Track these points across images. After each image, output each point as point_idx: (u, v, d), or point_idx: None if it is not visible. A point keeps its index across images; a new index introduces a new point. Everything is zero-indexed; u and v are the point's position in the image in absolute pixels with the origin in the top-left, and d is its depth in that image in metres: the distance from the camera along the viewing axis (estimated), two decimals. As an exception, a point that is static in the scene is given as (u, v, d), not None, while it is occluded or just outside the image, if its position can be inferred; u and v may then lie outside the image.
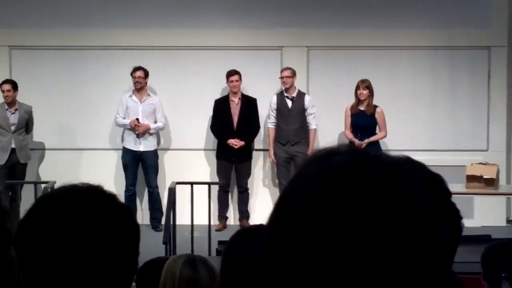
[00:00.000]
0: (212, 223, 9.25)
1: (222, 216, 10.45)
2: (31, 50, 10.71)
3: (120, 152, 10.49)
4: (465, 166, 9.29)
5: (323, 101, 10.53)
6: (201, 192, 9.06)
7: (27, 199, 8.91)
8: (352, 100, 10.07)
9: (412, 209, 0.98)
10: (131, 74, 10.20)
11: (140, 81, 10.19)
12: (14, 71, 10.67)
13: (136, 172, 10.29)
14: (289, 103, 10.28)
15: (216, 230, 9.85)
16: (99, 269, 1.48)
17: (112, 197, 1.58)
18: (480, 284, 3.58)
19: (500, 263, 3.38)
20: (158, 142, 10.56)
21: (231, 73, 10.27)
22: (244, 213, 10.48)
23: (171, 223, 8.36)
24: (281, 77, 10.24)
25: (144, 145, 10.23)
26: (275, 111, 10.30)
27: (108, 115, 10.51)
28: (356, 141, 9.80)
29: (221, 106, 10.35)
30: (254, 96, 10.42)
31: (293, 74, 10.25)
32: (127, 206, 1.62)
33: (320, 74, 10.78)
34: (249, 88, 10.52)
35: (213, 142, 10.64)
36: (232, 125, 10.28)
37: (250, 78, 10.49)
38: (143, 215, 10.37)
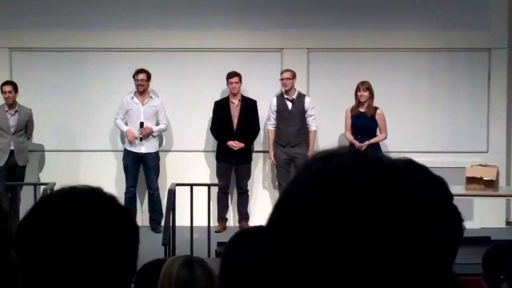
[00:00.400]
0: (211, 224, 9.26)
1: (222, 218, 10.45)
2: (31, 52, 10.71)
3: (120, 153, 10.50)
4: (464, 167, 9.29)
5: (323, 102, 10.53)
6: (200, 193, 9.06)
7: (26, 201, 8.91)
8: (352, 102, 10.07)
9: (411, 211, 0.98)
10: (133, 77, 10.20)
11: (143, 83, 10.19)
12: (14, 72, 10.67)
13: (137, 174, 10.30)
14: (289, 105, 10.28)
15: (216, 232, 9.85)
16: (97, 270, 1.48)
17: (111, 199, 1.59)
18: (480, 285, 3.58)
19: (500, 264, 3.38)
20: (160, 144, 10.57)
21: (231, 75, 10.27)
22: (243, 215, 10.48)
23: (171, 224, 8.36)
24: (281, 79, 10.25)
25: (146, 147, 10.24)
26: (275, 113, 10.30)
27: (108, 117, 10.51)
28: (357, 143, 9.80)
29: (221, 107, 10.35)
30: (254, 98, 10.42)
31: (293, 76, 10.25)
32: (126, 208, 1.62)
33: (320, 76, 10.78)
34: (249, 90, 10.53)
35: (213, 143, 10.64)
36: (232, 127, 10.28)
37: (250, 80, 10.49)
38: (143, 217, 10.37)
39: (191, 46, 10.70)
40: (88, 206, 1.52)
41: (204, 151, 10.83)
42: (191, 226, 8.67)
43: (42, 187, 9.22)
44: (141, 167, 10.32)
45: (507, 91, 10.80)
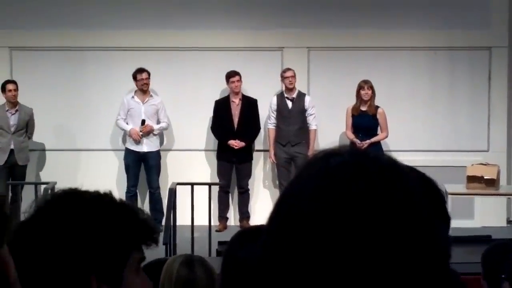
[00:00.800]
0: (212, 223, 9.26)
1: (223, 217, 10.45)
2: (32, 51, 10.71)
3: (121, 152, 10.50)
4: (465, 166, 9.30)
5: (324, 101, 10.53)
6: (201, 192, 9.06)
7: (27, 200, 8.91)
8: (352, 101, 10.07)
9: (412, 210, 0.98)
10: (134, 77, 10.19)
11: (147, 82, 10.22)
12: (15, 72, 10.67)
13: (138, 173, 10.30)
14: (289, 104, 10.28)
15: (216, 231, 9.85)
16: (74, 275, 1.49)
17: (123, 204, 1.59)
18: (481, 284, 3.58)
19: (500, 263, 3.38)
20: (161, 143, 10.58)
21: (231, 74, 10.27)
22: (244, 214, 10.48)
23: (172, 223, 8.36)
24: (286, 77, 10.21)
25: (148, 146, 10.25)
26: (275, 112, 10.30)
27: (108, 116, 10.52)
28: (358, 142, 9.80)
29: (222, 107, 10.35)
30: (254, 97, 10.42)
31: (295, 74, 10.26)
32: (140, 216, 1.61)
33: (321, 75, 10.78)
34: (249, 89, 10.52)
35: (213, 142, 10.64)
36: (232, 126, 10.28)
37: (251, 79, 10.49)
38: (143, 216, 10.35)
39: (191, 45, 10.69)
40: (94, 210, 1.52)
41: (205, 150, 10.83)
42: (192, 225, 8.67)
43: (43, 186, 9.22)
44: (142, 166, 10.33)
45: (508, 89, 10.79)
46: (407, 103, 10.68)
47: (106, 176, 10.11)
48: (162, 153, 10.53)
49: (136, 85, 10.28)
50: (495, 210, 10.54)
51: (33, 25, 10.61)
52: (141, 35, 10.61)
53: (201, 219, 8.92)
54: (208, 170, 10.76)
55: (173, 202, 8.56)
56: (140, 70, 10.21)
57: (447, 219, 1.92)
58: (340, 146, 1.05)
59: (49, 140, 10.77)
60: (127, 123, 10.28)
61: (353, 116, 10.03)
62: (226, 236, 2.92)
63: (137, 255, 1.57)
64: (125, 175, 10.32)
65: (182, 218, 8.97)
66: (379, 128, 10.06)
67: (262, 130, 10.54)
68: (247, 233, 2.20)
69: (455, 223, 8.69)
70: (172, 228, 8.33)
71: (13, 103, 10.05)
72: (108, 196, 1.58)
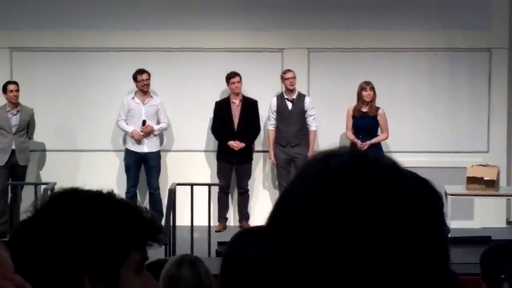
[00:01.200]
0: (212, 224, 9.26)
1: (222, 217, 10.45)
2: (32, 52, 10.71)
3: (121, 153, 10.51)
4: (465, 167, 9.30)
5: (324, 102, 10.53)
6: (201, 193, 9.07)
7: (27, 200, 8.91)
8: (352, 102, 10.07)
9: (412, 211, 0.98)
10: (135, 77, 10.20)
11: (147, 83, 10.23)
12: (15, 72, 10.67)
13: (138, 174, 10.31)
14: (289, 105, 10.28)
15: (216, 231, 9.85)
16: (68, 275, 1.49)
17: (124, 203, 1.59)
18: (480, 285, 3.58)
19: (499, 264, 3.38)
20: (161, 143, 10.58)
21: (231, 75, 10.27)
22: (244, 215, 10.48)
23: (171, 224, 8.37)
24: (287, 79, 10.21)
25: (148, 146, 10.26)
26: (275, 113, 10.30)
27: (108, 117, 10.52)
28: (358, 142, 9.80)
29: (222, 107, 10.36)
30: (254, 98, 10.42)
31: (295, 75, 10.26)
32: (143, 215, 1.61)
33: (321, 76, 10.78)
34: (249, 90, 10.52)
35: (213, 143, 10.64)
36: (232, 126, 10.29)
37: (251, 80, 10.49)
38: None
39: (191, 46, 10.70)
40: (96, 210, 1.52)
41: (205, 151, 10.83)
42: (192, 226, 8.67)
43: (43, 186, 9.22)
44: (142, 167, 10.33)
45: (508, 91, 10.79)
46: (407, 104, 10.68)
47: (106, 177, 10.11)
48: (162, 153, 10.53)
49: (137, 86, 10.28)
50: (495, 211, 10.54)
51: (33, 25, 10.62)
52: (142, 36, 10.61)
53: (201, 220, 8.93)
54: (208, 171, 10.76)
55: (172, 203, 8.56)
56: (141, 71, 10.22)
57: (442, 218, 1.93)
58: (340, 147, 1.06)
59: (49, 140, 10.77)
60: (127, 124, 10.29)
61: (353, 117, 10.03)
62: (226, 237, 2.93)
63: (136, 255, 1.56)
64: (125, 176, 10.32)
65: (182, 219, 8.97)
66: (379, 129, 10.06)
67: (262, 131, 10.54)
68: (247, 233, 2.21)
69: (455, 224, 8.68)
70: (171, 228, 8.33)
71: (14, 103, 10.06)
72: (109, 195, 1.58)
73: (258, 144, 10.67)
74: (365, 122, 9.95)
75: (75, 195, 1.56)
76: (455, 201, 9.06)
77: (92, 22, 10.64)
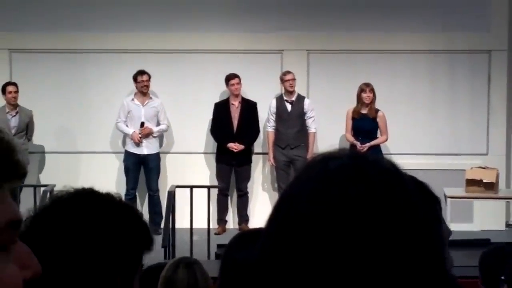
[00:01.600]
0: (211, 226, 9.25)
1: (221, 220, 10.45)
2: (31, 53, 10.71)
3: (120, 155, 10.51)
4: (464, 170, 9.30)
5: (323, 104, 10.53)
6: (200, 195, 9.06)
7: (26, 203, 8.90)
8: (352, 104, 10.07)
9: (411, 213, 0.98)
10: (135, 78, 10.21)
11: (147, 84, 10.24)
12: (15, 74, 10.67)
13: (137, 176, 10.31)
14: (289, 106, 10.28)
15: (215, 234, 9.84)
16: (101, 276, 1.48)
17: (129, 208, 1.59)
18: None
19: (499, 267, 3.38)
20: (161, 145, 10.58)
21: (231, 77, 10.28)
22: (243, 217, 10.47)
23: (170, 226, 8.36)
24: (286, 80, 10.21)
25: (148, 148, 10.26)
26: (274, 115, 10.30)
27: (108, 118, 10.52)
28: (358, 144, 9.81)
29: (221, 109, 10.36)
30: (254, 100, 10.42)
31: (295, 77, 10.27)
32: (144, 220, 1.61)
33: (320, 78, 10.78)
34: (249, 91, 10.53)
35: (212, 145, 10.64)
36: (232, 128, 10.29)
37: (250, 81, 10.49)
38: (142, 219, 10.35)
39: (191, 48, 10.70)
40: (104, 212, 1.52)
41: (204, 153, 10.83)
42: (191, 228, 8.67)
43: (42, 188, 9.22)
44: (142, 169, 10.33)
45: (507, 93, 10.79)
46: (406, 106, 10.68)
47: (105, 179, 10.09)
48: (161, 155, 10.53)
49: (136, 87, 10.29)
50: (494, 214, 10.54)
51: (33, 27, 10.62)
52: (141, 37, 10.61)
53: (200, 222, 8.92)
54: (207, 173, 10.76)
55: (172, 205, 8.56)
56: (141, 72, 10.23)
57: (439, 221, 1.93)
58: (339, 149, 1.06)
59: (48, 142, 10.76)
60: (127, 126, 10.29)
61: (353, 119, 10.03)
62: (225, 239, 2.93)
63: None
64: (124, 178, 10.32)
65: (181, 221, 8.96)
66: (379, 131, 10.07)
67: (261, 133, 10.54)
68: (246, 236, 2.21)
69: (454, 227, 8.66)
70: (171, 231, 8.33)
71: (13, 105, 10.06)
72: (120, 199, 1.59)
73: (257, 146, 10.67)
74: (365, 124, 9.95)
75: (92, 195, 1.56)
76: (454, 203, 9.06)
77: (91, 24, 10.64)
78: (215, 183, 10.26)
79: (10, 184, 0.96)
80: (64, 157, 10.72)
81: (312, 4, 10.75)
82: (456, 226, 9.21)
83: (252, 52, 10.74)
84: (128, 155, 10.28)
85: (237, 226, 10.42)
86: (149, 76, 10.26)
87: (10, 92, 10.01)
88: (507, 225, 10.76)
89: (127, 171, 10.29)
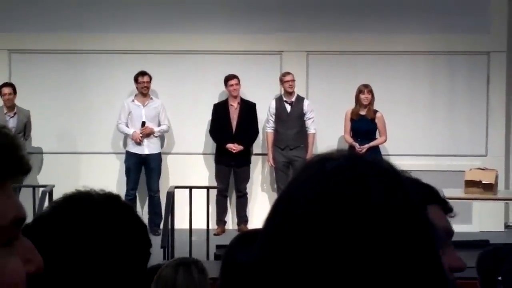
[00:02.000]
0: (210, 227, 9.24)
1: (221, 221, 10.44)
2: (31, 54, 10.71)
3: (120, 155, 10.51)
4: (463, 171, 9.29)
5: (323, 105, 10.54)
6: (199, 196, 9.06)
7: (25, 203, 8.88)
8: (351, 105, 10.07)
9: (409, 214, 0.98)
10: (136, 79, 10.22)
11: (148, 85, 10.24)
12: (14, 74, 10.67)
13: (138, 177, 10.31)
14: (288, 107, 10.28)
15: (215, 235, 9.84)
16: (104, 280, 1.49)
17: (129, 208, 1.59)
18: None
19: (496, 267, 3.37)
20: (162, 145, 10.58)
21: (229, 78, 10.28)
22: (242, 218, 10.47)
23: (170, 227, 8.36)
24: (286, 81, 10.21)
25: (149, 148, 10.26)
26: (274, 116, 10.30)
27: (107, 119, 10.52)
28: (357, 145, 9.81)
29: (220, 110, 10.36)
30: (253, 101, 10.42)
31: (294, 78, 10.27)
32: (143, 222, 1.62)
33: (320, 79, 10.79)
34: (248, 92, 10.53)
35: (212, 146, 10.64)
36: (231, 129, 10.28)
37: (250, 82, 10.50)
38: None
39: (190, 49, 10.70)
40: (104, 214, 1.52)
41: (203, 154, 10.83)
42: (190, 229, 8.67)
43: (41, 189, 9.21)
44: (143, 170, 10.33)
45: (506, 94, 10.80)
46: (406, 108, 10.69)
47: (106, 179, 10.07)
48: (162, 156, 10.52)
49: (137, 88, 10.30)
50: (493, 215, 10.54)
51: (32, 28, 10.61)
52: (140, 38, 10.61)
53: (199, 223, 8.91)
54: (206, 174, 10.75)
55: (171, 206, 8.55)
56: (142, 73, 10.24)
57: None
58: (336, 150, 1.06)
59: (48, 143, 10.75)
60: (127, 127, 10.29)
61: (352, 120, 10.03)
62: (224, 240, 2.94)
63: None
64: (124, 179, 10.32)
65: (180, 222, 8.95)
66: (377, 132, 10.07)
67: (260, 134, 10.53)
68: (246, 236, 2.21)
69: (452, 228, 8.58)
70: (170, 231, 8.33)
71: (10, 106, 10.04)
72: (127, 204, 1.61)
73: (256, 147, 10.67)
74: (363, 125, 9.96)
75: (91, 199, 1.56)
76: (453, 204, 8.99)
77: (90, 24, 10.64)
78: (214, 183, 10.26)
79: (14, 179, 0.98)
80: (63, 157, 10.71)
81: (311, 6, 10.76)
82: (455, 227, 9.18)
83: (251, 53, 10.75)
84: (129, 156, 10.28)
85: (236, 227, 10.42)
86: (150, 78, 10.26)
87: (4, 95, 9.98)
88: (506, 226, 10.77)
89: (128, 171, 10.29)
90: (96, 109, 10.68)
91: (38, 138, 10.60)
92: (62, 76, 10.71)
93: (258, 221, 9.73)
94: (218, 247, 8.40)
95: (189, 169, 10.63)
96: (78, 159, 10.76)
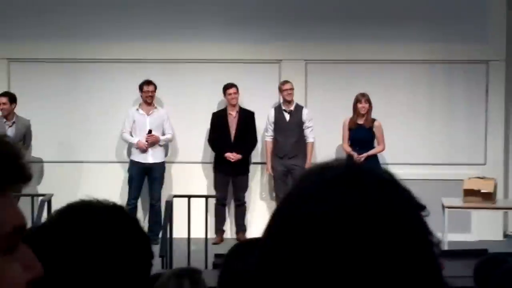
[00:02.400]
0: (209, 236, 9.23)
1: (219, 229, 10.43)
2: (30, 63, 10.71)
3: (122, 164, 10.52)
4: (462, 180, 9.30)
5: (321, 114, 10.54)
6: (198, 205, 9.05)
7: (24, 212, 8.87)
8: (350, 113, 10.08)
9: (407, 223, 0.98)
10: (141, 87, 10.24)
11: (152, 94, 10.27)
12: (13, 83, 10.67)
13: (140, 186, 10.31)
14: (287, 116, 10.29)
15: (213, 244, 9.83)
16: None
17: (132, 219, 1.59)
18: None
19: (492, 276, 3.37)
20: (166, 154, 10.58)
21: (228, 86, 10.29)
22: (241, 227, 10.47)
23: (168, 236, 8.34)
24: (285, 90, 10.23)
25: (153, 157, 10.26)
26: (272, 124, 10.31)
27: (107, 128, 10.52)
28: (355, 154, 9.81)
29: (219, 119, 10.36)
30: (252, 109, 10.43)
31: (293, 87, 10.28)
32: (145, 233, 1.62)
33: (318, 88, 10.80)
34: (247, 101, 10.54)
35: (210, 155, 10.64)
36: (229, 138, 10.29)
37: (249, 91, 10.51)
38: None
39: (189, 57, 10.71)
40: (108, 226, 1.52)
41: (202, 163, 10.83)
42: (189, 238, 8.65)
43: (40, 198, 9.20)
44: (145, 180, 10.33)
45: (505, 103, 10.81)
46: (404, 116, 10.70)
47: (105, 188, 10.06)
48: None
49: (141, 96, 10.32)
50: (492, 224, 10.54)
51: (31, 36, 10.62)
52: (140, 47, 10.62)
53: (198, 232, 8.91)
54: (205, 183, 10.75)
55: (169, 215, 8.54)
56: (148, 82, 10.27)
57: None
58: (335, 159, 1.06)
59: (47, 152, 10.75)
60: (132, 136, 10.30)
61: (349, 129, 10.04)
62: (223, 249, 2.94)
63: None
64: (125, 188, 10.31)
65: (179, 231, 8.94)
66: (375, 141, 10.07)
67: (259, 143, 10.54)
68: (244, 245, 2.21)
69: (451, 237, 8.64)
70: (168, 240, 8.31)
71: (7, 116, 10.03)
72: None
73: (255, 156, 10.67)
74: (361, 133, 9.96)
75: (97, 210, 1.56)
76: (452, 213, 9.06)
77: (90, 33, 10.65)
78: (213, 192, 10.25)
79: (15, 188, 0.98)
80: (63, 166, 10.71)
81: (310, 15, 10.77)
82: (454, 236, 9.22)
83: (250, 62, 10.76)
84: (133, 164, 10.28)
85: (234, 236, 10.42)
86: (155, 87, 10.29)
87: (0, 104, 9.97)
88: (505, 235, 10.76)
89: (130, 180, 10.29)
90: (96, 118, 10.68)
91: (38, 147, 10.59)
92: (61, 85, 10.71)
93: (256, 230, 9.74)
94: (217, 256, 8.36)
95: (188, 178, 10.63)
96: (78, 168, 10.75)
